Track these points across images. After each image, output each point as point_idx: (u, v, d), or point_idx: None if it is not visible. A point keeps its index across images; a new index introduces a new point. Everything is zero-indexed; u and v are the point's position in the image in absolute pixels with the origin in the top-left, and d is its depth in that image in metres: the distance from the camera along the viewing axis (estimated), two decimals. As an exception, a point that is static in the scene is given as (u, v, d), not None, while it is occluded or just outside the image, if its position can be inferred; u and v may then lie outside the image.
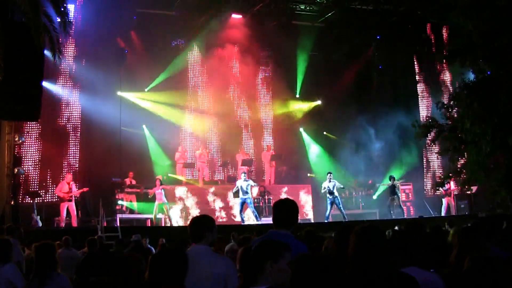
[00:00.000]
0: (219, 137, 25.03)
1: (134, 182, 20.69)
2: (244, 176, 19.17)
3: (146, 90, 22.97)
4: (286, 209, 5.08)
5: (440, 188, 21.16)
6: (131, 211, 20.18)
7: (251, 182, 19.10)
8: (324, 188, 19.78)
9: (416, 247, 4.25)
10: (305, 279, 3.33)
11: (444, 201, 22.04)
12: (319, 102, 26.74)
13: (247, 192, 18.85)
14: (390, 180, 21.50)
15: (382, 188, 22.82)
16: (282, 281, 3.50)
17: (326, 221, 19.85)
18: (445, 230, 9.66)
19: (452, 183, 20.80)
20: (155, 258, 4.23)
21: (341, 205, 19.90)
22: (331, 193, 19.62)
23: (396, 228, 11.43)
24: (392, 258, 3.73)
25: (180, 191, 21.43)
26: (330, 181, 19.72)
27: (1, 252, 6.33)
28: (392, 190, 21.31)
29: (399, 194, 21.72)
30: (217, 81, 24.81)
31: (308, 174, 25.02)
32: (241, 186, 18.89)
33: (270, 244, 3.66)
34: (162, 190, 19.56)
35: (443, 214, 21.74)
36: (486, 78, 15.90)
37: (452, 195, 22.04)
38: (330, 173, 20.22)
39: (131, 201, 20.31)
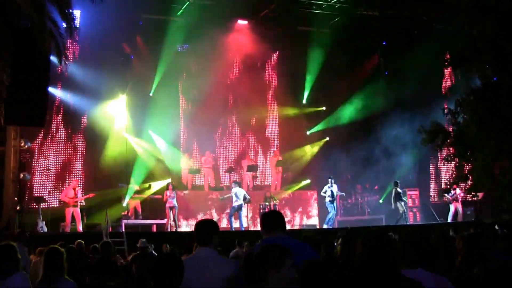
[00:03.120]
0: (225, 142, 25.05)
1: (137, 187, 20.71)
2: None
3: (150, 94, 22.97)
4: (279, 216, 5.23)
5: (447, 195, 21.10)
6: (136, 216, 20.22)
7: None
8: (325, 191, 20.44)
9: (424, 251, 4.25)
10: (312, 285, 3.31)
11: (452, 207, 21.90)
12: (325, 108, 26.70)
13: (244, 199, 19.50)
14: (393, 185, 21.52)
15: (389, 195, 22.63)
16: (285, 287, 3.49)
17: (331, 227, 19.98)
18: (451, 236, 9.62)
19: (458, 189, 20.72)
20: (152, 264, 4.24)
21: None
22: (333, 196, 20.18)
23: (390, 234, 11.34)
24: (398, 261, 3.71)
25: (185, 196, 21.43)
26: (332, 185, 20.28)
27: (9, 261, 6.19)
28: (396, 196, 21.26)
29: (405, 200, 21.67)
30: (223, 86, 24.85)
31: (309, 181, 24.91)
32: (244, 194, 19.56)
33: (272, 250, 3.64)
34: (174, 194, 19.61)
35: (449, 220, 21.64)
36: (492, 83, 15.87)
37: (459, 201, 21.90)
38: (331, 177, 20.70)
39: (135, 207, 20.30)
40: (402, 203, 21.28)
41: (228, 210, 20.95)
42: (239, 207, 19.45)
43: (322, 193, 20.97)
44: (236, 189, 19.57)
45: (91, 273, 9.30)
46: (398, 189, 21.38)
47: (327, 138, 26.15)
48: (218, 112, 24.96)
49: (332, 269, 3.34)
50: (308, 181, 24.18)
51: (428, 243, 4.47)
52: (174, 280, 4.12)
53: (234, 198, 19.42)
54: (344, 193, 21.07)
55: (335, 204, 20.62)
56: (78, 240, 12.06)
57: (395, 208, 21.51)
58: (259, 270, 3.56)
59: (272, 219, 5.18)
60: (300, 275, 3.41)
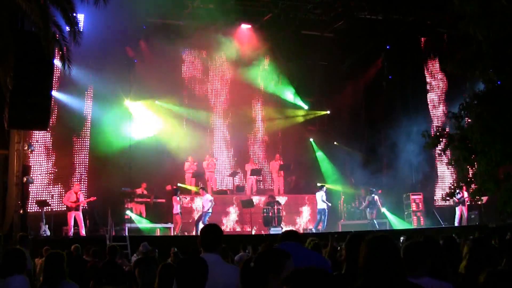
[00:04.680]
0: (228, 146, 25.03)
1: (146, 193, 20.65)
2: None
3: (156, 102, 22.99)
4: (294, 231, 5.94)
5: (454, 197, 21.01)
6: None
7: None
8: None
9: (431, 258, 4.21)
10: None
11: (458, 210, 21.84)
12: (328, 112, 26.68)
13: None
14: (369, 193, 21.90)
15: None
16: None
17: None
18: (457, 242, 9.59)
19: (466, 192, 20.64)
20: (178, 266, 4.21)
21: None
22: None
23: (402, 238, 11.35)
24: (403, 266, 3.67)
25: (188, 201, 21.41)
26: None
27: (15, 263, 6.20)
28: (369, 204, 21.66)
29: (376, 207, 21.91)
30: (226, 90, 24.84)
31: (318, 184, 24.85)
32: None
33: (272, 254, 3.58)
34: (178, 199, 19.62)
35: (456, 223, 21.59)
36: (496, 87, 15.84)
37: (465, 204, 21.81)
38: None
39: (140, 211, 20.24)
40: (371, 211, 21.63)
41: (232, 215, 21.18)
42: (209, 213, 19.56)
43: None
44: (207, 196, 19.64)
45: (96, 277, 9.32)
46: (373, 197, 21.62)
47: (334, 142, 26.12)
48: (222, 116, 24.96)
49: (323, 277, 3.20)
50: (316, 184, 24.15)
51: (432, 246, 4.44)
52: (199, 281, 4.11)
53: (209, 204, 19.53)
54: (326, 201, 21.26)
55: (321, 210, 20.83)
56: (75, 245, 12.06)
57: (364, 214, 22.35)
58: (258, 274, 3.51)
59: (286, 233, 5.79)
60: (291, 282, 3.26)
